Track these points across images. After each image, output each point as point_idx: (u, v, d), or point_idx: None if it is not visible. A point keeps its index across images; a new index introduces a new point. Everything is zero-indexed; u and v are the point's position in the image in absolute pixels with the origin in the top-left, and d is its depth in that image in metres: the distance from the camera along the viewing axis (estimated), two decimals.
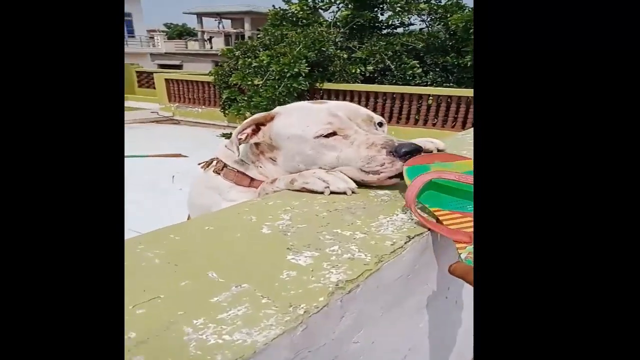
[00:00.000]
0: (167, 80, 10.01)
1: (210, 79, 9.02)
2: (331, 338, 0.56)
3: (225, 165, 1.14)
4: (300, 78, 7.68)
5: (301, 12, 9.35)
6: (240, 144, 1.06)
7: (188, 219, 1.18)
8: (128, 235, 0.57)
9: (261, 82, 7.77)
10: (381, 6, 9.33)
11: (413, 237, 0.72)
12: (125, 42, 24.18)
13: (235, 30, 33.04)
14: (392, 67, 8.20)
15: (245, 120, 1.07)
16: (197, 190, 1.21)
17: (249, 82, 7.90)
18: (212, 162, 1.19)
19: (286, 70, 7.59)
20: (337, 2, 9.38)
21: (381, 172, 0.93)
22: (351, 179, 0.96)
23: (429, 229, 0.76)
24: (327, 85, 8.07)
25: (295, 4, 9.45)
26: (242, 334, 0.46)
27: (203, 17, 34.73)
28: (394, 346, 0.82)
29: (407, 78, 8.04)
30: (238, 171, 1.12)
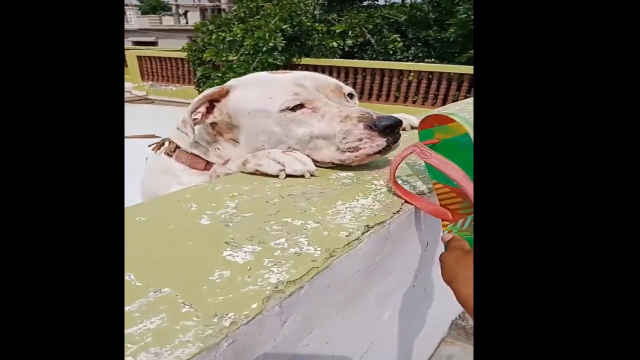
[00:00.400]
0: (139, 57, 9.64)
1: (183, 55, 8.72)
2: (273, 346, 0.49)
3: (177, 147, 1.05)
4: (276, 52, 7.42)
5: None
6: (195, 125, 0.95)
7: None
8: None
9: (235, 58, 7.53)
10: None
11: (373, 227, 0.64)
12: None
13: (211, 4, 32.14)
14: (373, 41, 8.03)
15: (196, 98, 0.95)
16: (148, 175, 1.12)
17: (223, 58, 7.64)
18: (163, 143, 1.10)
19: (261, 45, 7.32)
20: None
21: (360, 149, 0.83)
22: (326, 161, 0.87)
23: (406, 201, 0.72)
24: (305, 61, 7.86)
25: None
26: (149, 355, 0.38)
27: None
28: (354, 341, 0.76)
29: (388, 53, 7.88)
30: (192, 154, 1.02)
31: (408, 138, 1.19)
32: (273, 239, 0.59)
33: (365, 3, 9.35)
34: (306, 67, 7.84)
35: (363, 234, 0.62)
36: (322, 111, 0.88)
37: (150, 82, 9.64)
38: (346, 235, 0.61)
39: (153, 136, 6.92)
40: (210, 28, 8.55)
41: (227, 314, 0.43)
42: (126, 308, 0.44)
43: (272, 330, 0.48)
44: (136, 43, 22.40)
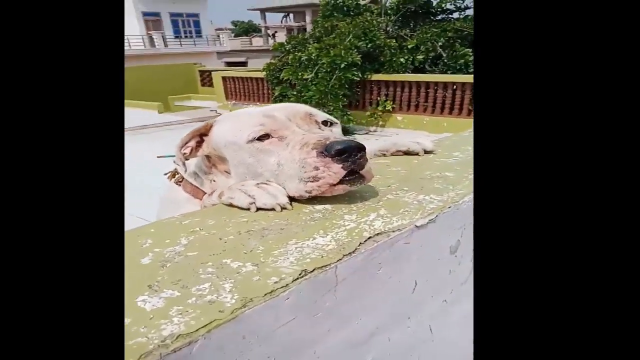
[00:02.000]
0: (223, 78, 10.19)
1: (263, 74, 9.05)
2: None
3: (183, 177, 1.06)
4: (354, 69, 7.48)
5: (352, 1, 9.10)
6: (186, 159, 0.96)
7: None
8: None
9: (310, 76, 7.66)
10: None
11: (312, 271, 0.59)
12: (193, 43, 25.14)
13: (297, 24, 33.20)
14: (444, 55, 7.77)
15: (186, 133, 0.97)
16: (161, 202, 1.14)
17: (299, 77, 7.82)
18: (176, 172, 1.11)
19: (338, 62, 7.41)
20: None
21: (319, 178, 0.77)
22: (295, 194, 0.82)
23: None
24: (377, 77, 7.81)
25: None
26: None
27: (266, 13, 35.22)
28: None
29: (460, 67, 7.58)
30: (193, 184, 1.03)
31: (418, 164, 1.11)
32: (198, 284, 0.56)
33: (439, 17, 9.07)
34: (377, 83, 7.78)
35: (294, 280, 0.57)
36: (288, 139, 0.84)
37: (233, 101, 10.11)
38: (275, 282, 0.56)
39: None
40: (287, 48, 8.80)
41: None
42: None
43: None
44: (228, 64, 23.73)
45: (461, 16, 8.81)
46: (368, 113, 7.90)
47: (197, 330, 0.47)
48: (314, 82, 7.57)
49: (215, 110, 10.33)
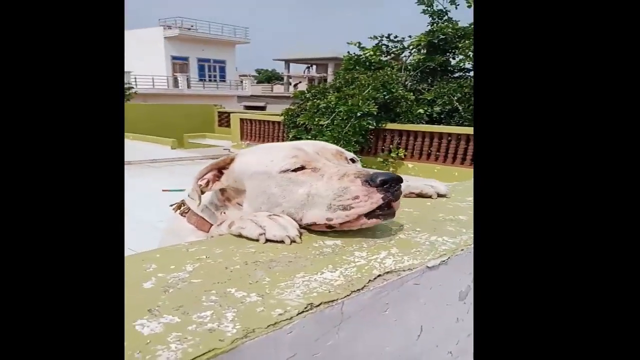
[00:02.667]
0: (241, 119, 10.41)
1: (280, 119, 9.24)
2: None
3: (189, 209, 1.05)
4: (369, 118, 7.63)
5: (374, 57, 9.40)
6: (202, 192, 0.95)
7: None
8: None
9: (326, 122, 7.81)
10: (453, 51, 9.12)
11: (318, 305, 0.56)
12: (216, 86, 25.93)
13: (318, 75, 34.19)
14: (460, 108, 7.89)
15: (205, 166, 0.97)
16: (164, 232, 1.12)
17: (315, 123, 7.98)
18: (182, 204, 1.11)
19: (355, 111, 7.57)
20: (410, 47, 9.33)
21: (352, 207, 0.78)
22: (316, 222, 0.82)
23: None
24: (391, 126, 7.92)
25: (369, 49, 9.53)
26: None
27: (290, 63, 36.44)
28: None
29: None
30: (200, 216, 1.01)
31: (431, 207, 1.09)
32: (200, 311, 0.53)
33: (456, 74, 9.30)
34: (391, 132, 7.88)
35: (299, 313, 0.54)
36: (322, 171, 0.85)
37: (247, 142, 10.27)
38: (279, 314, 0.53)
39: None
40: (307, 96, 9.02)
41: None
42: None
43: None
44: (247, 107, 24.30)
45: None
46: (380, 159, 7.94)
47: (194, 358, 0.44)
48: (329, 128, 7.70)
49: (229, 149, 10.45)
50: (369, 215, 0.79)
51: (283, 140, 9.39)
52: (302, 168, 0.85)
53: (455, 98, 7.92)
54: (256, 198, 0.90)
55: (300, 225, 0.83)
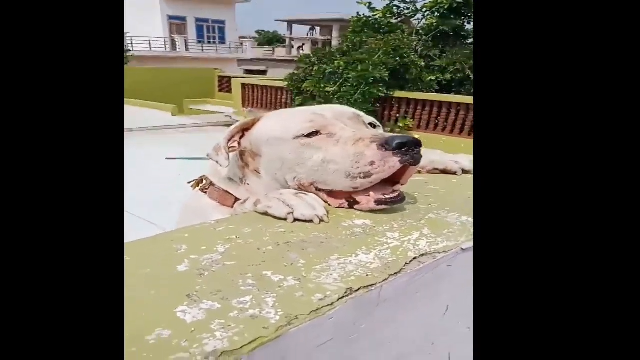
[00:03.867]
0: (243, 85, 10.25)
1: (284, 84, 9.10)
2: None
3: (212, 184, 1.04)
4: (380, 85, 7.51)
5: (384, 19, 9.15)
6: (230, 152, 0.94)
7: None
8: None
9: (334, 89, 7.69)
10: (468, 15, 8.83)
11: (357, 290, 0.56)
12: (215, 49, 25.47)
13: (322, 38, 33.45)
14: (472, 76, 7.76)
15: (233, 126, 0.96)
16: (182, 214, 1.12)
17: (322, 89, 7.85)
18: (201, 180, 1.10)
19: (366, 77, 7.44)
20: (423, 9, 9.05)
21: (372, 174, 0.78)
22: (337, 191, 0.83)
23: None
24: (399, 94, 7.80)
25: (379, 10, 9.27)
26: None
27: (293, 25, 35.63)
28: None
29: None
30: (223, 190, 1.01)
31: (457, 184, 1.08)
32: (239, 296, 0.53)
33: (469, 41, 9.05)
34: (399, 100, 7.77)
35: (340, 298, 0.54)
36: (337, 136, 0.85)
37: (249, 108, 10.16)
38: (320, 299, 0.53)
39: None
40: (312, 60, 8.85)
41: None
42: None
43: None
44: (247, 72, 23.96)
45: None
46: (386, 129, 7.85)
47: (241, 347, 0.45)
48: (336, 95, 7.59)
49: (230, 116, 10.36)
50: (378, 201, 0.80)
51: (287, 107, 9.24)
52: (316, 133, 0.85)
53: (468, 65, 7.76)
54: (270, 164, 0.91)
55: (317, 195, 0.84)
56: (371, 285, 0.58)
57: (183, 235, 0.71)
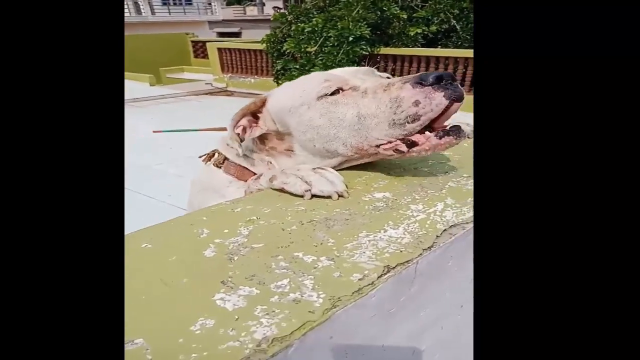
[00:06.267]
0: (219, 49, 10.00)
1: (262, 46, 8.89)
2: None
3: (226, 159, 1.03)
4: (363, 42, 7.38)
5: None
6: (242, 140, 0.94)
7: None
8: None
9: (314, 49, 7.55)
10: None
11: (394, 267, 0.57)
12: (183, 11, 24.69)
13: None
14: (458, 27, 7.66)
15: (235, 113, 0.95)
16: (195, 189, 1.11)
17: (302, 50, 7.70)
18: (213, 154, 1.09)
19: (346, 35, 7.29)
20: None
21: (420, 115, 0.73)
22: (385, 145, 0.78)
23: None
24: (385, 50, 7.70)
25: None
26: None
27: None
28: None
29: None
30: (239, 165, 1.00)
31: (470, 148, 1.09)
32: (275, 280, 0.54)
33: None
34: (385, 57, 7.68)
35: (380, 277, 0.55)
36: (362, 88, 0.82)
37: (230, 74, 9.97)
38: (359, 279, 0.54)
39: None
40: (289, 19, 8.63)
41: None
42: None
43: None
44: (220, 34, 23.38)
45: None
46: None
47: (291, 333, 0.45)
48: (319, 57, 7.45)
49: (211, 84, 10.17)
50: (442, 134, 0.74)
51: (268, 72, 9.20)
52: (339, 91, 0.83)
53: (453, 15, 7.66)
54: (305, 135, 0.87)
55: (367, 153, 0.82)
56: (407, 261, 0.59)
57: (201, 218, 0.71)
